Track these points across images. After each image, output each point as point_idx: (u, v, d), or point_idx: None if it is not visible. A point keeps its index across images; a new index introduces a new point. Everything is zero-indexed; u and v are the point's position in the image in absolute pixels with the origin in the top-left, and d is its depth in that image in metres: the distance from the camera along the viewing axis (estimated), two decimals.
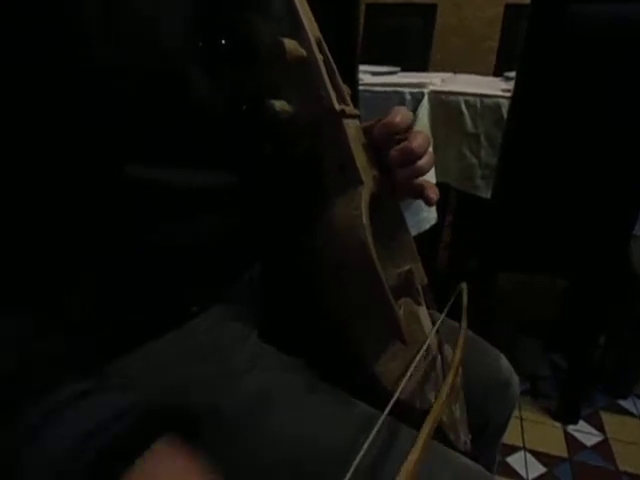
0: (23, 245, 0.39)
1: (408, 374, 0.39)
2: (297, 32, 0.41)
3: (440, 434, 0.44)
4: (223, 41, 0.43)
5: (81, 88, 0.36)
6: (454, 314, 0.52)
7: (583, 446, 1.27)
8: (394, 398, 0.35)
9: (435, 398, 0.44)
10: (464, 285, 0.54)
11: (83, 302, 0.40)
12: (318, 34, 0.43)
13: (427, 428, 0.32)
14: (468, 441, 0.47)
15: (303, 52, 0.40)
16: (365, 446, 0.29)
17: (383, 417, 0.33)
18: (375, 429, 0.32)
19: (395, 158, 0.45)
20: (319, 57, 0.41)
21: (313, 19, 0.43)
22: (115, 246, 0.40)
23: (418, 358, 0.42)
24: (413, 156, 0.45)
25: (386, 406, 0.42)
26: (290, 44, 0.39)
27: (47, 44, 0.34)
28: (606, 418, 1.36)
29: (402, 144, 0.45)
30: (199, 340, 0.44)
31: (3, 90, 0.34)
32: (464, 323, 0.49)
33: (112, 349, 0.40)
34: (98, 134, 0.37)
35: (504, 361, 0.61)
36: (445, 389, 0.38)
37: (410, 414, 0.41)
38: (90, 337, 0.40)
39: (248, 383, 0.42)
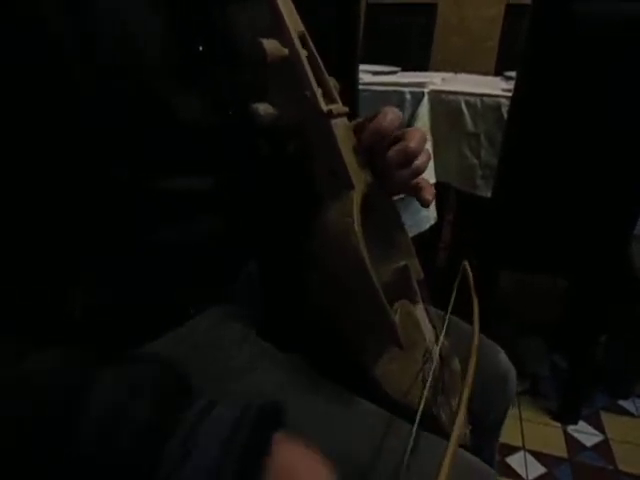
0: (23, 245, 0.38)
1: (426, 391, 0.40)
2: (278, 28, 0.38)
3: (439, 428, 0.44)
4: (202, 44, 0.41)
5: (80, 91, 0.36)
6: (453, 308, 0.52)
7: (583, 446, 1.27)
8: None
9: (434, 395, 0.44)
10: (466, 264, 0.53)
11: (83, 302, 0.40)
12: (301, 28, 0.40)
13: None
14: (468, 432, 0.48)
15: (285, 51, 0.38)
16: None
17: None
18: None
19: (393, 159, 0.43)
20: (302, 54, 0.39)
21: (295, 12, 0.40)
22: (115, 246, 0.40)
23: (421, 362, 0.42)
24: (411, 156, 0.43)
25: (384, 407, 0.42)
26: (270, 45, 0.37)
27: (37, 49, 0.33)
28: (606, 418, 1.36)
29: (400, 144, 0.43)
30: (198, 340, 0.44)
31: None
32: (476, 314, 0.49)
33: (113, 349, 0.40)
34: (96, 136, 0.37)
35: (503, 355, 0.61)
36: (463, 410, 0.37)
37: (410, 412, 0.41)
38: (90, 337, 0.39)
39: (248, 383, 0.42)
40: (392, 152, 0.43)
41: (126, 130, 0.38)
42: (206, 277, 0.45)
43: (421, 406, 0.39)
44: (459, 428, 0.34)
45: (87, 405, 0.30)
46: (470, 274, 0.51)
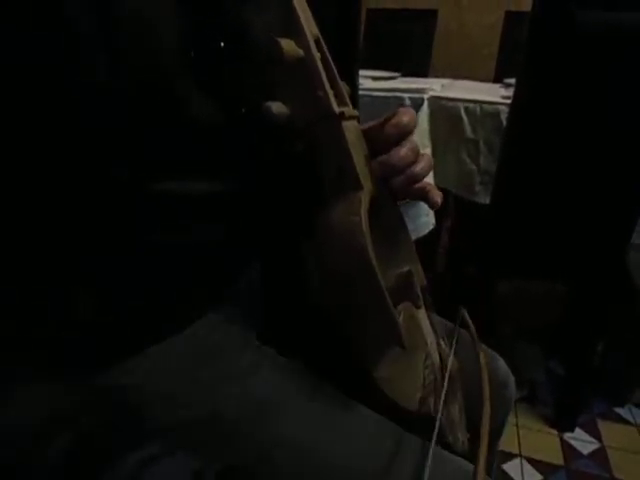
0: (22, 245, 0.38)
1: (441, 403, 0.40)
2: (294, 30, 0.39)
3: (438, 436, 0.44)
4: (220, 43, 0.41)
5: (81, 91, 0.36)
6: (452, 314, 0.52)
7: (579, 454, 1.27)
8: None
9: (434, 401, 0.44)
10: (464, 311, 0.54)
11: (83, 303, 0.40)
12: (316, 32, 0.41)
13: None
14: (466, 441, 0.48)
15: (300, 52, 0.39)
16: None
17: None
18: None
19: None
20: (317, 56, 0.40)
21: (311, 16, 0.41)
22: (115, 246, 0.40)
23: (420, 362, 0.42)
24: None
25: (385, 411, 0.42)
26: (287, 44, 0.38)
27: (45, 46, 0.34)
28: (602, 426, 1.36)
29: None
30: (199, 344, 0.43)
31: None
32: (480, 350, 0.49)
33: (112, 353, 0.40)
34: (98, 136, 0.37)
35: (501, 362, 0.61)
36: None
37: (409, 417, 0.41)
38: (90, 340, 0.39)
39: (249, 388, 0.42)
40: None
41: (126, 132, 0.38)
42: (207, 278, 0.45)
43: (437, 423, 0.39)
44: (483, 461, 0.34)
45: None
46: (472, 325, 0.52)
